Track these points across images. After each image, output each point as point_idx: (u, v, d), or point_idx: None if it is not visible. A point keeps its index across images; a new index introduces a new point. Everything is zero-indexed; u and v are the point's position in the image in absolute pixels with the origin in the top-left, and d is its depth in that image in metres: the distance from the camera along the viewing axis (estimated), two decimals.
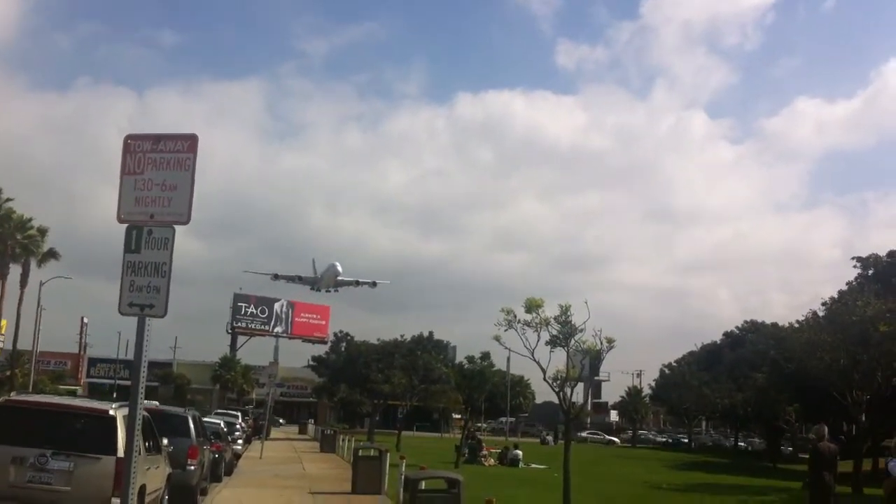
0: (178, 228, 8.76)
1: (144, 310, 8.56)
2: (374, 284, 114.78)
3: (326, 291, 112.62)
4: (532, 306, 45.62)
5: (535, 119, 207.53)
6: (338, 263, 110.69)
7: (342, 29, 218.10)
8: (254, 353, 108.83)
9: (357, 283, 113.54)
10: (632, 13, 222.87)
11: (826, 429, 18.19)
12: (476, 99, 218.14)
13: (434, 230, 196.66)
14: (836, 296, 54.56)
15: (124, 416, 11.12)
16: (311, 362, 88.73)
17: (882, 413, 45.15)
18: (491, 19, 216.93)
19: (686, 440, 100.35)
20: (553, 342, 47.95)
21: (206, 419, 28.74)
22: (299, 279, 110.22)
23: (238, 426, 44.67)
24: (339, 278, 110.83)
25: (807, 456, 18.99)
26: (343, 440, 44.94)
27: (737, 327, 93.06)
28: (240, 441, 40.91)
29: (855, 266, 67.55)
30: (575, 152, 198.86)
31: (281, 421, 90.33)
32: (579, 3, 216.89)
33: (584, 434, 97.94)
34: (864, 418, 45.56)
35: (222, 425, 33.24)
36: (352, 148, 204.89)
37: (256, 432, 52.90)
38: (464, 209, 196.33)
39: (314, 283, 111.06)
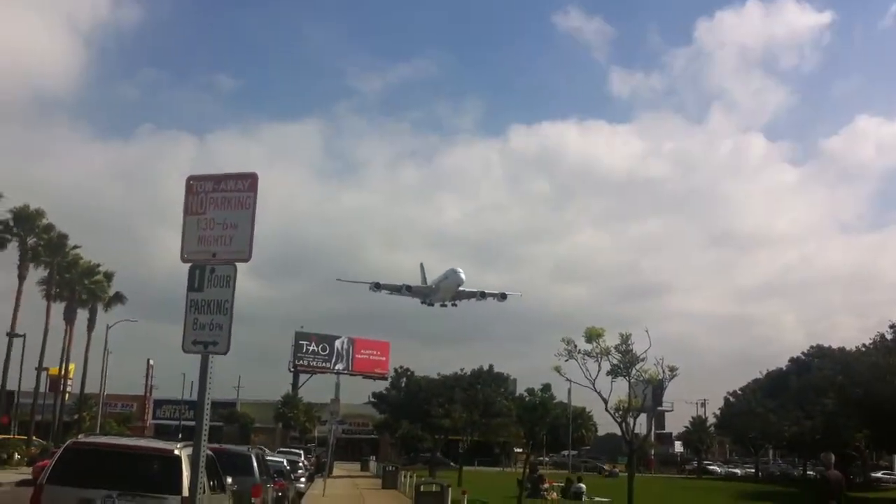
0: (239, 267, 8.89)
1: (208, 347, 8.68)
2: (503, 297, 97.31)
3: (442, 306, 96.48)
4: (592, 336, 45.29)
5: (591, 148, 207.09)
6: (460, 270, 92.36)
7: (394, 66, 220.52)
8: (315, 390, 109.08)
9: (482, 294, 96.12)
10: (686, 39, 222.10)
11: (833, 457, 18.96)
12: (530, 130, 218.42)
13: (491, 263, 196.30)
14: None
15: (189, 456, 11.23)
16: (372, 398, 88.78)
17: None
18: (543, 50, 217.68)
19: (752, 470, 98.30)
20: (614, 372, 47.56)
21: (269, 457, 28.88)
22: (407, 289, 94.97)
23: (301, 464, 44.83)
24: (461, 288, 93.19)
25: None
26: (404, 476, 44.86)
27: (803, 353, 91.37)
28: (302, 479, 41.05)
29: None
30: (632, 180, 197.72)
31: (372, 458, 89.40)
32: (632, 31, 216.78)
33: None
34: None
35: (285, 463, 33.38)
36: (407, 184, 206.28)
37: (319, 470, 53.00)
38: (521, 241, 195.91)
39: (426, 296, 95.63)
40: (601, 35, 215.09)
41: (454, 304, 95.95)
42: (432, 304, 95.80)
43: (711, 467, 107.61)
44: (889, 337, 49.95)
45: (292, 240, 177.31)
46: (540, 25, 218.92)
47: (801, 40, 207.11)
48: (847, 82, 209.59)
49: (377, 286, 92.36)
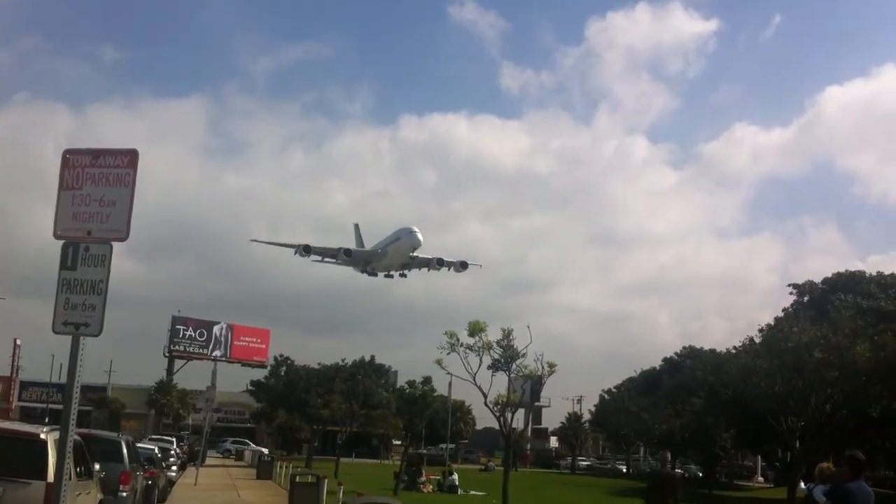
0: (116, 247, 8.55)
1: (79, 328, 8.33)
2: (463, 266, 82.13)
3: (387, 276, 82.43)
4: (475, 330, 45.51)
5: (480, 142, 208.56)
6: (416, 230, 76.72)
7: (288, 47, 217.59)
8: (191, 377, 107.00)
9: (439, 262, 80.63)
10: (577, 38, 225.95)
11: (669, 455, 20.28)
12: (420, 121, 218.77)
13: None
14: (772, 322, 55.54)
15: (55, 441, 10.77)
16: (250, 387, 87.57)
17: (816, 440, 45.85)
18: (437, 41, 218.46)
19: (622, 467, 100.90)
20: (495, 366, 47.97)
21: (139, 445, 28.08)
22: (346, 254, 78.76)
23: (172, 452, 43.87)
24: (415, 254, 78.04)
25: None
26: (280, 467, 44.34)
27: (676, 353, 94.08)
28: (174, 467, 40.14)
29: (791, 293, 69.05)
30: (519, 176, 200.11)
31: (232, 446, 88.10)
32: (525, 27, 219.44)
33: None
34: (798, 445, 46.25)
35: (156, 451, 32.61)
36: (295, 167, 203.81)
37: (192, 458, 51.96)
38: None
39: (368, 262, 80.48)
40: (495, 29, 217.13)
41: (402, 275, 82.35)
42: (374, 274, 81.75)
43: (585, 463, 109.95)
44: (757, 340, 51.72)
45: (173, 220, 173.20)
46: (436, 16, 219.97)
47: (686, 46, 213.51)
48: (728, 89, 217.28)
49: (306, 250, 76.71)
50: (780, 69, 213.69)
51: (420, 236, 75.98)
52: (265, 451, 73.28)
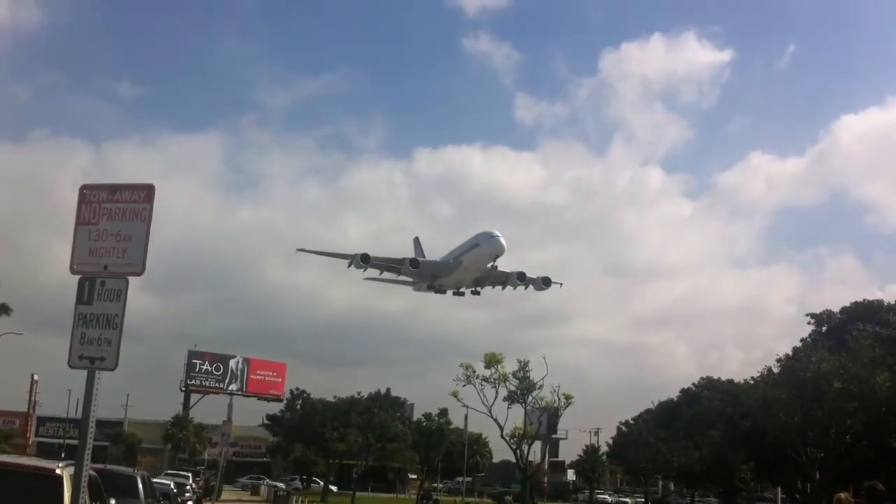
0: (132, 281, 8.61)
1: (95, 363, 8.36)
2: (546, 283, 70.25)
3: (457, 293, 71.79)
4: (491, 361, 45.40)
5: (494, 174, 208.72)
6: (499, 234, 64.99)
7: (303, 81, 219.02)
8: (208, 411, 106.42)
9: (521, 277, 68.92)
10: (591, 69, 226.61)
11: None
12: (434, 154, 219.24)
13: (392, 286, 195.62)
14: (790, 352, 55.13)
15: (71, 476, 10.77)
16: (266, 420, 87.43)
17: (836, 470, 45.38)
18: (451, 73, 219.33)
19: (642, 499, 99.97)
20: (511, 398, 47.74)
21: (155, 480, 28.05)
22: (412, 265, 67.26)
23: (188, 487, 43.79)
24: (493, 265, 65.99)
25: None
26: (296, 501, 44.18)
27: (693, 384, 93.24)
28: (189, 502, 40.05)
29: (809, 322, 68.51)
30: (533, 207, 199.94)
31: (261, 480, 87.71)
32: (540, 58, 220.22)
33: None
34: (818, 476, 45.78)
35: (172, 486, 32.55)
36: (310, 201, 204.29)
37: (207, 493, 51.83)
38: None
39: (438, 276, 69.69)
40: (509, 61, 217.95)
41: (475, 291, 71.20)
42: (443, 290, 71.46)
43: (602, 496, 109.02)
44: (776, 370, 51.36)
45: (189, 254, 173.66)
46: (450, 48, 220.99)
47: (700, 77, 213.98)
48: (742, 119, 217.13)
49: (364, 259, 65.56)
50: (794, 98, 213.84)
51: (504, 241, 64.35)
52: (281, 485, 73.05)
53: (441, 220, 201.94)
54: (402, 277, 70.42)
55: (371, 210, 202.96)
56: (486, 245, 64.07)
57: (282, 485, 73.96)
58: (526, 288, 69.87)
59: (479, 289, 70.67)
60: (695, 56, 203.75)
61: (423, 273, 68.93)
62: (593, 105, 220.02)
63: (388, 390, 78.09)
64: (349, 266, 66.15)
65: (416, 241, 73.67)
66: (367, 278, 71.49)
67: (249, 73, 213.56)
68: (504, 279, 68.94)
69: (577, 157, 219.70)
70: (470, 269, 66.45)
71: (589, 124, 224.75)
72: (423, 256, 70.52)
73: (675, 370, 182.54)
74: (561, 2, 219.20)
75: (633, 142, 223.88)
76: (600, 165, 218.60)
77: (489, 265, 65.64)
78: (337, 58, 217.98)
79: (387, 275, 69.58)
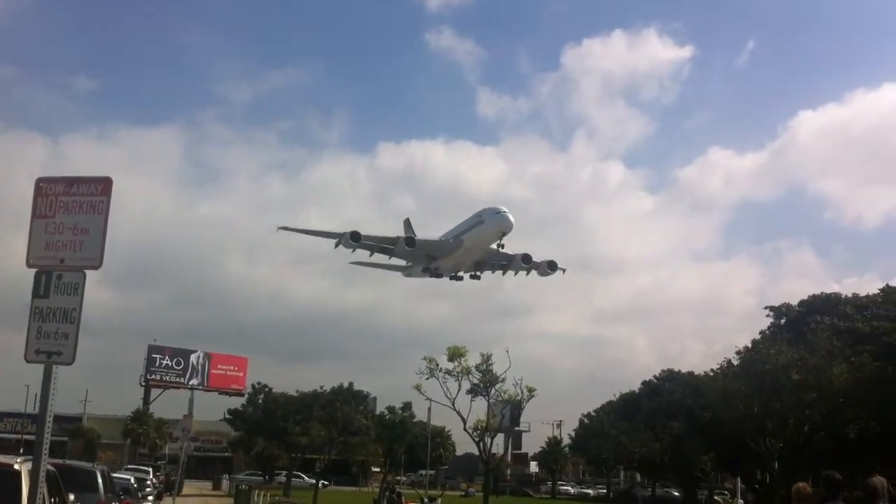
0: (90, 276, 8.51)
1: (52, 357, 8.26)
2: (552, 267, 64.36)
3: (454, 278, 65.49)
4: (454, 354, 45.33)
5: (457, 169, 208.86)
6: (506, 210, 59.55)
7: (264, 75, 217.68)
8: (168, 406, 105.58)
9: (525, 261, 63.45)
10: (553, 65, 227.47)
11: (637, 477, 19.95)
12: (398, 148, 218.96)
13: (354, 279, 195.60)
14: (749, 345, 55.79)
15: (29, 471, 10.63)
16: (227, 415, 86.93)
17: (794, 461, 46.01)
18: (414, 68, 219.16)
19: (604, 490, 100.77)
20: (474, 391, 47.84)
21: (115, 474, 27.77)
22: (408, 244, 60.60)
23: (149, 482, 43.45)
24: (497, 246, 59.86)
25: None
26: (258, 495, 43.97)
27: (654, 376, 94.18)
28: (150, 497, 39.73)
29: (768, 315, 69.43)
30: (496, 201, 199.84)
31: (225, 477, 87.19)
32: (503, 54, 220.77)
33: None
34: (777, 466, 46.40)
35: (132, 481, 32.33)
36: (272, 196, 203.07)
37: (168, 488, 51.47)
38: None
39: (434, 255, 63.14)
40: (472, 56, 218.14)
41: (475, 275, 65.34)
42: (439, 274, 65.05)
43: (565, 487, 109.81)
44: (735, 363, 51.96)
45: (149, 249, 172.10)
46: (413, 43, 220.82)
47: (661, 73, 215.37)
48: (702, 114, 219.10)
49: (354, 238, 58.61)
50: (753, 94, 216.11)
51: (512, 218, 58.70)
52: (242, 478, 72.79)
53: (404, 215, 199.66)
54: (392, 262, 65.03)
55: (334, 205, 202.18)
56: (492, 222, 58.46)
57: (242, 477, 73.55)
58: (528, 273, 64.72)
59: (478, 273, 64.90)
60: (656, 52, 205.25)
61: (419, 254, 62.50)
62: (555, 100, 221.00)
63: (350, 384, 77.86)
64: (336, 246, 59.56)
65: (408, 221, 65.83)
66: (354, 262, 65.83)
67: (210, 67, 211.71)
68: (507, 262, 63.48)
69: (539, 152, 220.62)
70: (472, 249, 60.81)
71: (551, 119, 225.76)
72: (410, 231, 63.93)
73: (637, 363, 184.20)
74: None
75: (594, 137, 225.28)
76: (563, 160, 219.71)
77: (494, 245, 59.86)
78: (299, 51, 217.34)
79: (376, 258, 63.01)
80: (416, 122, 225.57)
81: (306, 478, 79.55)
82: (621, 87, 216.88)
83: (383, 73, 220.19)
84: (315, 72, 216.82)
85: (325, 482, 77.18)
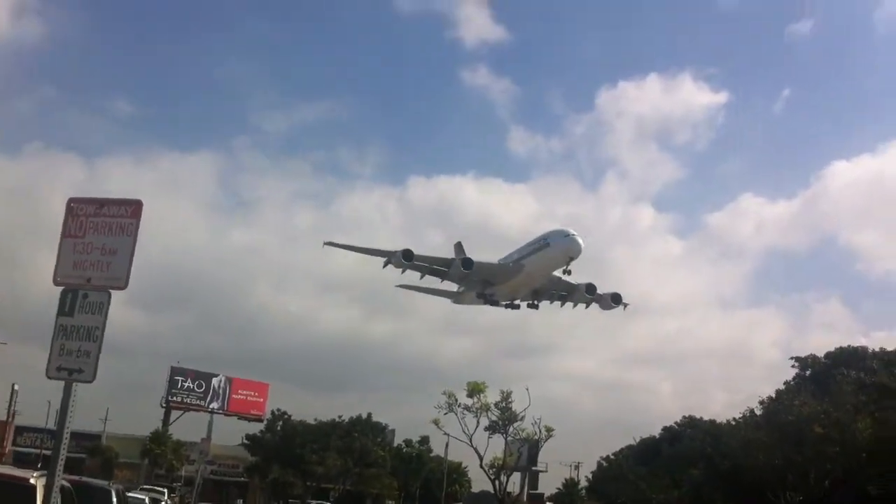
0: (120, 295, 8.65)
1: (73, 374, 8.39)
2: (616, 300, 60.96)
3: (510, 306, 61.42)
4: (474, 390, 45.40)
5: (487, 205, 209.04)
6: (575, 233, 54.45)
7: (300, 106, 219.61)
8: (188, 429, 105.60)
9: (590, 291, 59.21)
10: (588, 105, 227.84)
11: None
12: (429, 182, 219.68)
13: (381, 311, 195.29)
14: (773, 395, 55.23)
15: (45, 486, 10.75)
16: (245, 440, 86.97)
17: None
18: (448, 104, 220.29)
19: None
20: (492, 428, 47.69)
21: (130, 493, 27.89)
22: (465, 265, 55.92)
23: (163, 502, 43.58)
24: (563, 272, 55.71)
25: None
26: None
27: (676, 422, 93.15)
28: None
29: (793, 366, 68.79)
30: (525, 239, 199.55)
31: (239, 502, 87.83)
32: (537, 93, 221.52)
33: None
34: None
35: (147, 501, 32.44)
36: (302, 225, 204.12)
37: None
38: (412, 292, 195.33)
39: (491, 280, 58.49)
40: (507, 94, 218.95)
41: (533, 304, 60.86)
42: (495, 301, 60.73)
43: None
44: (758, 413, 51.44)
45: (178, 272, 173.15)
46: (448, 80, 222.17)
47: (695, 118, 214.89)
48: (735, 161, 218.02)
49: (406, 257, 54.86)
50: (787, 142, 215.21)
51: (582, 241, 53.62)
52: None
53: (433, 249, 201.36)
54: (443, 286, 61.14)
55: (363, 236, 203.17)
56: (559, 246, 53.33)
57: None
58: (587, 306, 60.64)
59: (537, 302, 60.42)
60: (690, 97, 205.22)
61: (475, 278, 57.90)
62: (588, 141, 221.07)
63: (369, 415, 77.85)
64: (385, 265, 56.19)
65: (459, 245, 60.65)
66: (402, 286, 62.16)
67: (247, 96, 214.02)
68: (569, 291, 59.05)
69: (570, 192, 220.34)
70: (533, 275, 56.18)
71: (583, 160, 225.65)
72: (458, 253, 59.41)
73: (659, 408, 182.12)
74: (559, 38, 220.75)
75: (626, 179, 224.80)
76: (593, 201, 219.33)
77: (558, 272, 55.60)
78: (335, 84, 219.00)
79: (427, 281, 59.44)
80: (448, 158, 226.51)
81: None
82: (654, 130, 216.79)
83: (417, 107, 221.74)
84: (350, 104, 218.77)
85: None
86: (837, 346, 69.68)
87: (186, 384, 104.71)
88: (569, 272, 54.53)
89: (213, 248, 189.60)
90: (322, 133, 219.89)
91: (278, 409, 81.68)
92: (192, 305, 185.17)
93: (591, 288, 58.67)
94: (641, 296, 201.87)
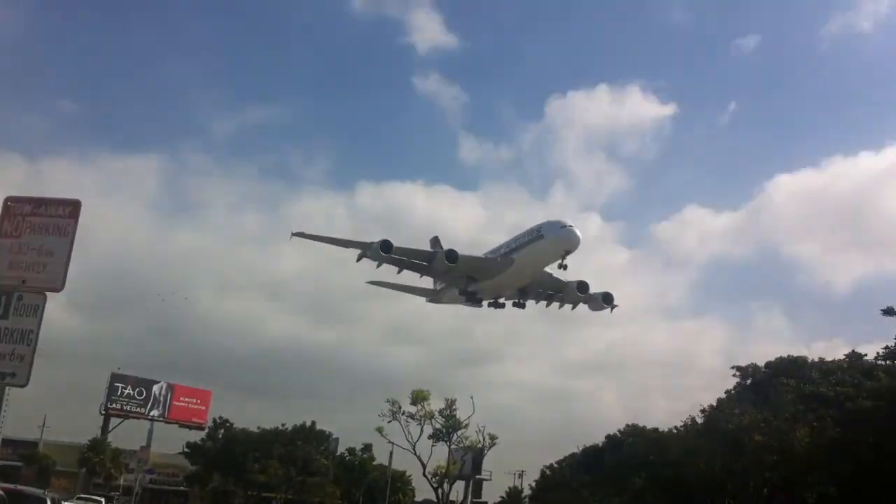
0: (55, 299, 8.43)
1: (5, 378, 8.14)
2: (607, 300, 56.14)
3: (494, 304, 57.52)
4: (418, 398, 45.20)
5: (436, 212, 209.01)
6: (571, 224, 49.61)
7: (248, 109, 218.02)
8: (127, 436, 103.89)
9: (581, 290, 54.86)
10: (537, 115, 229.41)
11: None
12: (378, 188, 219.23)
13: (326, 318, 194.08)
14: (714, 403, 55.92)
15: None
16: (186, 449, 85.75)
17: None
18: (398, 110, 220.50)
19: None
20: (436, 436, 47.47)
21: (66, 503, 27.30)
22: (449, 259, 50.91)
23: None
24: (559, 267, 49.97)
25: None
26: None
27: (619, 431, 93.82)
28: None
29: (734, 375, 69.73)
30: (473, 247, 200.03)
31: None
32: (486, 101, 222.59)
33: None
34: None
35: None
36: (248, 229, 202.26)
37: None
38: (358, 298, 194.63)
39: (475, 276, 53.80)
40: (457, 101, 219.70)
41: (519, 303, 57.04)
42: (478, 300, 56.48)
43: None
44: (699, 421, 52.02)
45: (120, 276, 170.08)
46: (399, 85, 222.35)
47: (643, 129, 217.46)
48: (681, 172, 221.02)
49: (385, 248, 49.85)
50: (732, 155, 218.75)
51: (580, 233, 48.73)
52: None
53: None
54: (419, 284, 57.37)
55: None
56: (553, 238, 48.44)
57: None
58: (574, 306, 56.98)
59: (523, 301, 56.70)
60: (639, 108, 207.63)
61: (458, 273, 53.11)
62: (537, 150, 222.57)
63: (313, 423, 77.19)
64: (359, 259, 51.47)
65: (436, 239, 56.99)
66: (373, 282, 57.93)
67: (194, 98, 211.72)
68: (558, 290, 55.04)
69: (518, 199, 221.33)
70: (524, 270, 51.59)
71: (532, 168, 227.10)
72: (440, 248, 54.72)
73: (603, 417, 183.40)
74: (511, 47, 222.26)
75: (574, 188, 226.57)
76: (540, 209, 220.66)
77: (549, 267, 51.13)
78: (285, 87, 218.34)
79: (403, 277, 55.07)
80: (397, 164, 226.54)
81: None
82: (603, 140, 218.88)
83: (368, 113, 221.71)
84: (300, 108, 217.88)
85: None
86: (778, 355, 70.87)
87: (127, 391, 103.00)
88: (564, 267, 49.11)
89: (156, 251, 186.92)
90: (270, 136, 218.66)
91: (220, 417, 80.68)
92: (135, 310, 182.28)
93: (583, 286, 54.34)
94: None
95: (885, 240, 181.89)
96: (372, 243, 49.70)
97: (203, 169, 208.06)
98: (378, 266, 51.19)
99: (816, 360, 67.77)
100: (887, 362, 52.45)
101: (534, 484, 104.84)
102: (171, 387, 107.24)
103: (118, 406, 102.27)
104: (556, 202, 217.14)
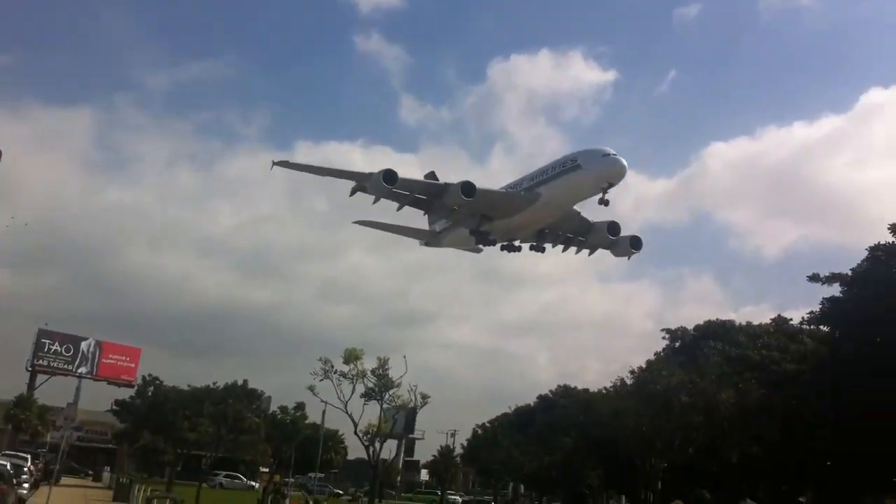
0: None
1: None
2: (636, 245, 46.08)
3: (507, 247, 49.71)
4: (351, 357, 44.87)
5: None
6: (614, 152, 40.78)
7: (185, 64, 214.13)
8: (55, 393, 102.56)
9: (612, 231, 45.83)
10: (479, 77, 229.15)
11: (522, 488, 20.14)
12: (316, 148, 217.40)
13: (262, 276, 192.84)
14: (644, 365, 56.82)
15: None
16: (114, 406, 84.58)
17: (678, 481, 46.94)
18: (340, 69, 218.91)
19: (490, 500, 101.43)
20: (368, 395, 47.32)
21: None
22: (464, 192, 43.23)
23: (26, 469, 42.02)
24: (600, 202, 41.20)
25: None
26: (139, 490, 42.72)
27: (550, 391, 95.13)
28: (26, 485, 38.37)
29: (664, 338, 70.89)
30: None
31: (89, 473, 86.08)
32: (429, 63, 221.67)
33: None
34: (660, 485, 47.29)
35: (8, 467, 31.25)
36: (182, 186, 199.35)
37: (46, 477, 49.81)
38: (293, 257, 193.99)
39: (491, 213, 46.00)
40: (399, 62, 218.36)
41: (537, 247, 49.20)
42: (492, 241, 49.11)
43: (453, 497, 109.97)
44: (629, 382, 52.81)
45: (50, 230, 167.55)
46: (341, 44, 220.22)
47: (584, 94, 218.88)
48: (619, 138, 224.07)
49: (388, 179, 42.90)
50: (670, 122, 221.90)
51: (624, 162, 40.65)
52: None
53: (315, 215, 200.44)
54: (418, 226, 51.89)
55: (245, 200, 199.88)
56: (594, 168, 40.76)
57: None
58: (592, 252, 48.50)
59: (543, 244, 48.96)
60: (580, 74, 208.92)
61: (473, 210, 45.62)
62: (478, 113, 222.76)
63: (245, 381, 76.31)
64: (353, 193, 45.13)
65: (433, 174, 49.01)
66: (361, 222, 52.48)
67: (129, 52, 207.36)
68: (586, 230, 47.06)
69: (457, 162, 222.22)
70: (550, 206, 44.09)
71: (472, 131, 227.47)
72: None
73: (536, 377, 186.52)
74: (455, 9, 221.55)
75: (513, 152, 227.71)
76: (480, 172, 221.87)
77: (580, 201, 44.59)
78: (223, 44, 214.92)
79: (402, 216, 49.35)
80: (337, 124, 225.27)
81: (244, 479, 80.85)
82: (543, 105, 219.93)
83: (308, 72, 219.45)
84: (237, 65, 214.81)
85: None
86: (707, 319, 72.14)
87: (54, 347, 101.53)
88: (606, 202, 41.00)
89: (87, 206, 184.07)
90: (207, 93, 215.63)
91: (150, 375, 79.47)
92: (64, 265, 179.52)
93: (613, 227, 46.24)
94: (521, 266, 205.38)
95: (816, 208, 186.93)
96: (372, 173, 43.19)
97: (137, 124, 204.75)
98: (375, 202, 44.91)
99: (744, 323, 69.18)
100: (812, 327, 53.67)
101: (465, 443, 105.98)
102: (99, 344, 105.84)
103: (45, 363, 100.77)
104: (494, 165, 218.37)
